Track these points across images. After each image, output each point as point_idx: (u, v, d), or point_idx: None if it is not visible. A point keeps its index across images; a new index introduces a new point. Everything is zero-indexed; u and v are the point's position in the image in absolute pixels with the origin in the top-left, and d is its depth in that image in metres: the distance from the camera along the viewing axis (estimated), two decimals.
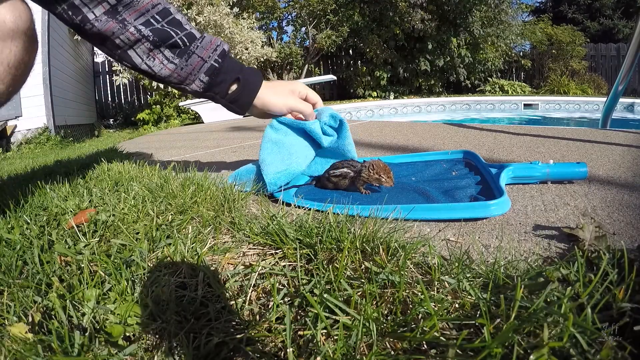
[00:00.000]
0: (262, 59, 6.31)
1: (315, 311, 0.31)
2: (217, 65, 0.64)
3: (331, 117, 0.77)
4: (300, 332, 0.32)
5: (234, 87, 0.68)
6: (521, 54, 9.45)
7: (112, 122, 7.26)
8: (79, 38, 5.69)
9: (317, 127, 0.75)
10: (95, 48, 7.37)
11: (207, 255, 0.45)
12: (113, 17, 0.56)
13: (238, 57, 5.58)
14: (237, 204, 0.61)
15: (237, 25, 5.52)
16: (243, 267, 0.43)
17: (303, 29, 8.75)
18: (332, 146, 0.81)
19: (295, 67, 8.29)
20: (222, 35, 5.31)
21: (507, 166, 0.70)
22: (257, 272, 0.40)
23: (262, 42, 6.29)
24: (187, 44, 0.63)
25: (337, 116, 0.77)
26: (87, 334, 0.31)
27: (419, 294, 0.34)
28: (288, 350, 0.28)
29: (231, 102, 0.68)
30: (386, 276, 0.36)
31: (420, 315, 0.31)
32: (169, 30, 0.61)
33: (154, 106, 5.69)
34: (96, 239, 0.50)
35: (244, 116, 0.69)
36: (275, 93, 0.71)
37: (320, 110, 0.79)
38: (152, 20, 0.60)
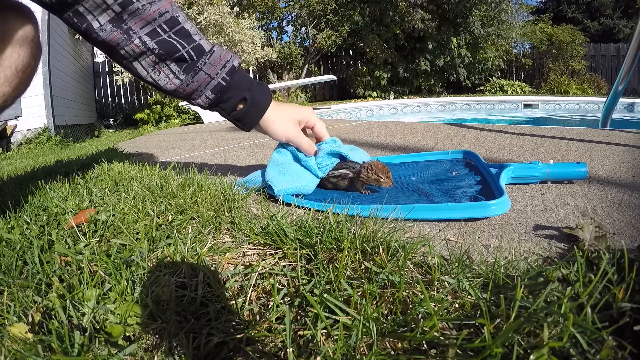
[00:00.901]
0: (262, 60, 6.31)
1: (315, 311, 0.31)
2: (224, 83, 0.63)
3: (326, 156, 0.74)
4: (300, 332, 0.32)
5: (240, 105, 0.66)
6: (521, 53, 9.45)
7: (112, 122, 7.26)
8: (79, 38, 5.70)
9: (313, 164, 0.74)
10: (95, 48, 7.38)
11: (207, 255, 0.45)
12: (118, 27, 0.55)
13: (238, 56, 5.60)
14: (237, 204, 0.61)
15: (237, 25, 5.53)
16: (243, 267, 0.43)
17: (303, 29, 8.76)
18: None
19: (295, 67, 8.29)
20: (223, 34, 5.31)
21: (507, 166, 0.70)
22: (257, 272, 0.40)
23: (263, 42, 6.30)
24: (195, 58, 0.61)
25: (336, 151, 0.74)
26: (87, 334, 0.31)
27: (419, 294, 0.34)
28: (288, 350, 0.28)
29: (236, 119, 0.67)
30: (386, 276, 0.36)
31: (420, 315, 0.31)
32: (175, 42, 0.59)
33: (154, 106, 5.70)
34: (96, 239, 0.50)
35: (248, 131, 0.69)
36: (278, 118, 0.70)
37: (321, 147, 0.76)
38: (158, 29, 0.58)
